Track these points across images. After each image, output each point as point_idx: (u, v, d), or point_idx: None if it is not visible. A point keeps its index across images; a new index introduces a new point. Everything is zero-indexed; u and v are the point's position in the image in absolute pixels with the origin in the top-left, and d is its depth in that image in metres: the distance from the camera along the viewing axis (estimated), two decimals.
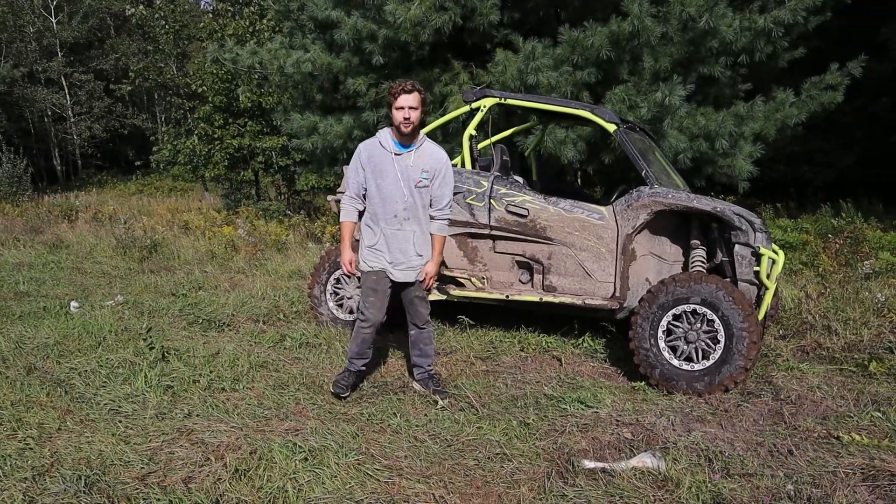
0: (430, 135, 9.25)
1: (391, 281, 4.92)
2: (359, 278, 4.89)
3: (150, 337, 5.96)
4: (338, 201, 6.30)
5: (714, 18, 8.44)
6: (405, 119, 4.59)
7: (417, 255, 4.88)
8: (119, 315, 7.28)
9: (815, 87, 9.86)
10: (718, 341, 5.04)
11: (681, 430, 4.50)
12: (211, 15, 20.67)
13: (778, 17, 8.85)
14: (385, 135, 4.76)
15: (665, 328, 5.20)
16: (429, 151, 4.80)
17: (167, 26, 23.97)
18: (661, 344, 5.20)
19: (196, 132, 19.65)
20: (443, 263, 6.17)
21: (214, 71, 18.40)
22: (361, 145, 4.76)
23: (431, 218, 4.89)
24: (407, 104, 4.58)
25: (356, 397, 5.07)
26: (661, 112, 8.59)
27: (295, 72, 10.83)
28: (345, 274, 5.06)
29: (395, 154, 4.72)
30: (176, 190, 28.89)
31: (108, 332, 6.54)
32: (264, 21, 19.06)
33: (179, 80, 23.03)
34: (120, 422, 4.58)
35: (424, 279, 4.92)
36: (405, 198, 4.75)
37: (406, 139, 4.71)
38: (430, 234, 4.90)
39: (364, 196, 4.85)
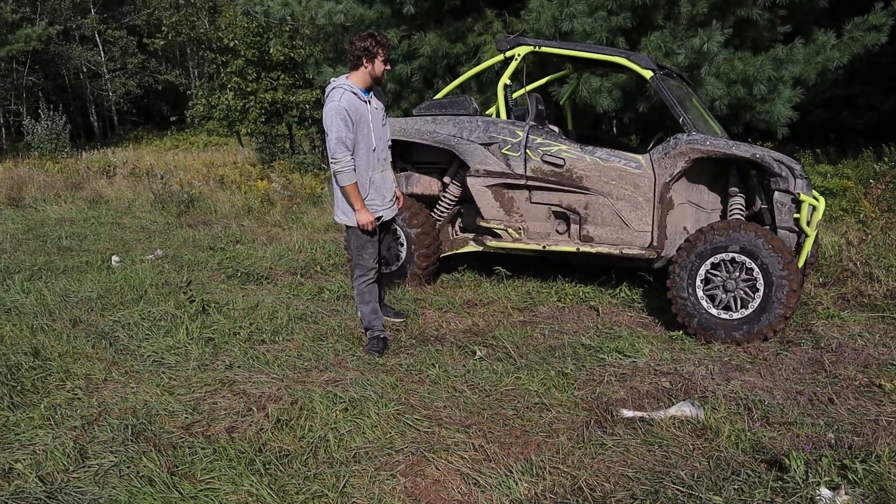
0: (464, 85, 9.19)
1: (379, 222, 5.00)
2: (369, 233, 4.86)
3: (191, 290, 6.03)
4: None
5: None
6: (384, 73, 4.81)
7: (393, 190, 5.11)
8: (159, 269, 7.37)
9: (857, 28, 9.53)
10: (757, 290, 4.97)
11: (719, 380, 4.47)
12: None
13: None
14: (352, 86, 4.70)
15: (703, 277, 5.14)
16: (377, 91, 4.94)
17: None
18: (700, 293, 5.14)
19: (229, 87, 19.65)
20: (479, 215, 6.14)
21: (246, 24, 18.31)
22: (343, 101, 4.59)
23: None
24: (387, 58, 4.81)
25: (394, 349, 5.09)
26: (698, 58, 8.41)
27: (326, 23, 10.73)
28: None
29: (367, 101, 4.76)
30: (211, 145, 29.01)
31: (149, 285, 6.62)
32: None
33: (212, 34, 22.96)
34: (163, 373, 4.65)
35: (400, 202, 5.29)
36: (381, 139, 4.90)
37: (371, 86, 4.83)
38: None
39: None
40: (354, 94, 4.66)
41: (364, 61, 4.68)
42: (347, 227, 4.92)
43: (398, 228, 6.23)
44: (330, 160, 4.64)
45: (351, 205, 4.76)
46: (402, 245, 6.32)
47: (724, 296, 5.09)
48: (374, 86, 4.87)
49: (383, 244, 5.39)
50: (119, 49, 38.71)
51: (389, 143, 5.10)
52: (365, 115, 4.71)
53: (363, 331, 5.21)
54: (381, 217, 4.96)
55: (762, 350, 4.93)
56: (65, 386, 4.47)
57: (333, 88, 4.68)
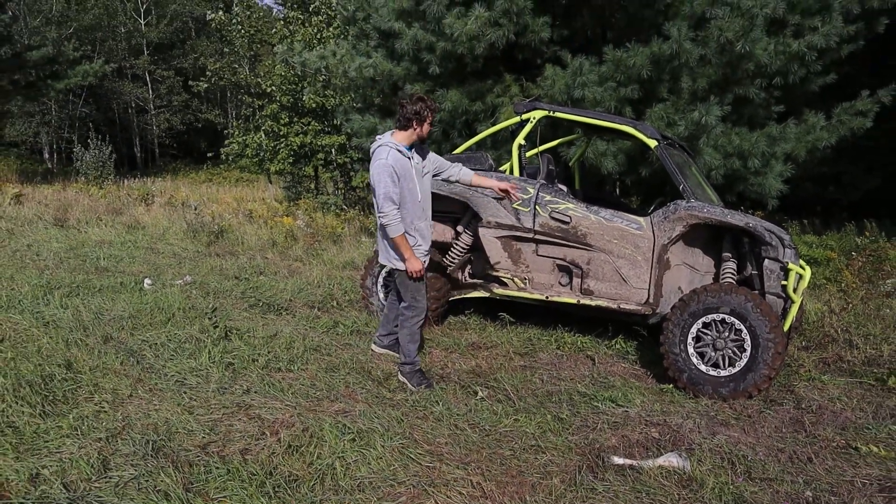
0: (481, 143, 9.25)
1: None
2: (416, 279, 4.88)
3: (215, 316, 6.01)
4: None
5: (750, 42, 8.23)
6: (429, 134, 4.92)
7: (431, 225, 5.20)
8: (187, 294, 7.36)
9: (845, 113, 9.59)
10: (745, 350, 4.93)
11: (706, 433, 4.41)
12: (282, 21, 20.79)
13: (812, 42, 8.62)
14: (397, 144, 4.75)
15: (695, 335, 5.11)
16: (417, 146, 4.97)
17: (243, 31, 24.18)
18: (690, 350, 5.10)
19: (263, 128, 19.83)
20: (488, 263, 6.13)
21: (283, 73, 18.53)
22: (389, 159, 4.63)
23: (451, 174, 5.29)
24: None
25: (401, 383, 5.05)
26: (697, 130, 8.43)
27: (358, 76, 10.84)
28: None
29: (410, 158, 4.80)
30: (242, 180, 29.22)
31: (176, 309, 6.61)
32: (331, 29, 19.15)
33: (251, 80, 23.21)
34: (185, 393, 4.62)
35: (510, 191, 5.47)
36: (425, 191, 4.93)
37: (415, 143, 4.89)
38: (473, 175, 5.38)
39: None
40: (399, 151, 4.71)
41: (414, 124, 4.74)
42: (397, 271, 4.93)
43: None
44: (377, 213, 4.68)
45: (401, 254, 4.80)
46: None
47: (713, 354, 5.05)
48: (417, 143, 4.92)
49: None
50: (166, 88, 39.29)
51: (452, 167, 5.28)
52: (409, 171, 4.74)
53: (399, 366, 5.15)
54: (426, 262, 5.01)
55: (747, 407, 4.86)
56: (93, 399, 4.44)
57: (380, 146, 4.74)
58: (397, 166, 4.65)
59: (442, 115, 10.34)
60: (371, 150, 4.80)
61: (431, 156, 5.13)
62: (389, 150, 4.68)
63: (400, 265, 4.86)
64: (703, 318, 5.08)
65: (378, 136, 4.85)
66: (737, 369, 4.96)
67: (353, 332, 6.34)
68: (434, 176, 5.22)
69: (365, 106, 12.26)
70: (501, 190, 5.40)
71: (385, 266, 6.63)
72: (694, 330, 5.11)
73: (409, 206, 4.78)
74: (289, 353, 5.56)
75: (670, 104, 8.78)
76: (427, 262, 5.05)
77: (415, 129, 4.77)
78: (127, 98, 38.03)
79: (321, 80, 17.26)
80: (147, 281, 7.86)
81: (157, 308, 6.63)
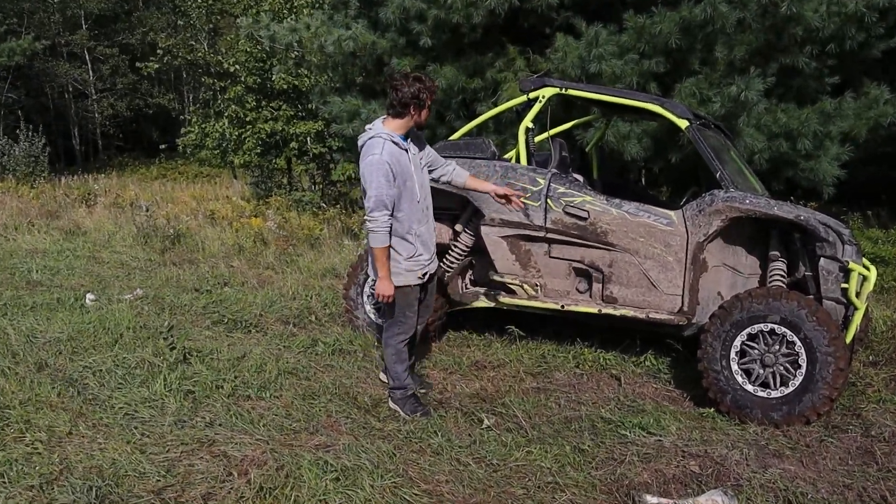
0: (482, 126, 9.22)
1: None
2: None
3: (171, 336, 5.98)
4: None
5: (797, 3, 8.22)
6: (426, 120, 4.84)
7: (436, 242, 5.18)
8: (138, 310, 7.33)
9: None
10: (799, 366, 4.90)
11: (755, 466, 4.38)
12: None
13: (872, 1, 8.60)
14: (392, 134, 4.67)
15: (738, 349, 5.08)
16: (414, 135, 4.94)
17: (200, 0, 24.23)
18: (734, 366, 5.08)
19: (226, 114, 19.81)
20: (493, 268, 6.11)
21: (248, 49, 18.51)
22: (385, 154, 4.55)
23: (444, 172, 5.26)
24: None
25: (393, 411, 5.03)
26: (735, 107, 8.42)
27: (336, 51, 10.82)
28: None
29: (407, 150, 4.75)
30: (202, 176, 29.22)
31: (125, 328, 6.58)
32: None
33: (210, 58, 23.21)
34: (136, 428, 4.59)
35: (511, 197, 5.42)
36: (424, 188, 4.90)
37: (410, 132, 4.85)
38: (468, 178, 5.35)
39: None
40: (395, 143, 4.64)
41: (412, 109, 4.67)
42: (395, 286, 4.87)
43: None
44: (365, 217, 4.62)
45: (376, 269, 4.73)
46: None
47: (761, 371, 5.02)
48: (413, 130, 4.88)
49: (431, 298, 5.35)
50: (109, 68, 39.21)
51: (443, 164, 5.25)
52: (407, 167, 4.69)
53: (389, 391, 5.14)
54: (427, 273, 4.96)
55: (804, 435, 4.84)
56: (23, 438, 4.41)
57: (371, 138, 4.65)
58: (393, 162, 4.58)
59: (436, 94, 10.33)
60: (360, 143, 4.73)
61: (427, 147, 5.11)
62: (384, 142, 4.60)
63: (396, 280, 4.82)
64: (749, 329, 5.05)
65: (368, 126, 4.78)
66: (790, 389, 4.93)
67: (335, 351, 6.31)
68: None
69: (345, 86, 12.23)
70: (500, 196, 5.34)
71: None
72: (738, 343, 5.08)
73: (407, 208, 4.73)
74: (259, 377, 5.53)
75: (703, 78, 8.77)
76: (433, 272, 5.04)
77: (412, 116, 4.70)
78: (62, 80, 37.90)
79: (293, 56, 17.20)
80: (89, 296, 7.83)
81: (101, 328, 6.59)
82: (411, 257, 4.80)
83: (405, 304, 4.90)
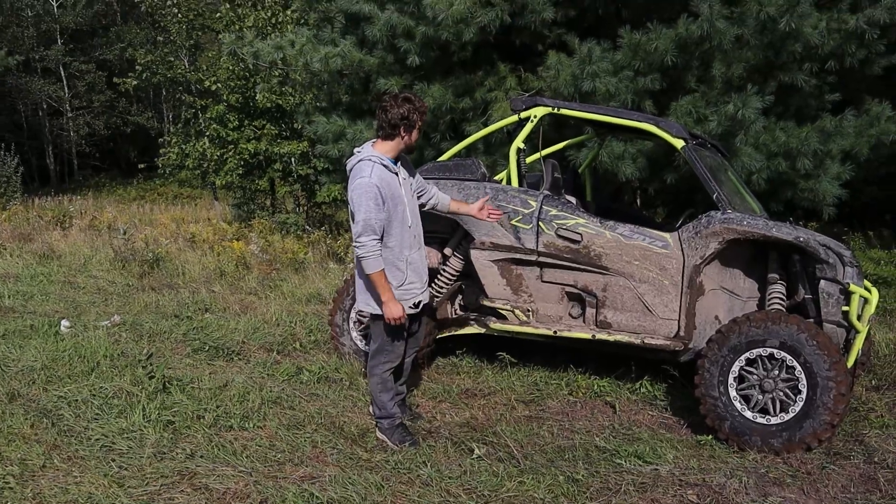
0: (471, 148, 9.29)
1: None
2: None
3: (150, 364, 5.98)
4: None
5: (797, 19, 8.31)
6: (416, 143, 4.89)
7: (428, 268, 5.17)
8: (115, 338, 7.34)
9: None
10: (799, 391, 4.94)
11: (755, 495, 4.41)
12: (229, 4, 20.86)
13: (872, 16, 8.67)
14: (381, 157, 4.69)
15: (737, 374, 5.12)
16: (403, 158, 4.97)
17: (180, 15, 24.29)
18: (732, 392, 5.11)
19: (207, 134, 19.87)
20: (483, 293, 6.15)
21: (230, 66, 18.58)
22: (374, 177, 4.57)
23: (430, 197, 5.30)
24: None
25: (381, 441, 5.04)
26: (733, 126, 8.49)
27: (322, 69, 10.89)
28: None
29: (396, 173, 4.78)
30: (182, 197, 29.23)
31: (102, 356, 6.58)
32: (288, 13, 19.25)
33: (191, 76, 23.30)
34: (113, 461, 4.59)
35: (489, 212, 5.44)
36: (415, 213, 4.93)
37: (398, 156, 4.87)
38: (451, 202, 5.43)
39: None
40: (384, 166, 4.67)
41: (402, 131, 4.69)
42: (378, 315, 4.87)
43: None
44: (354, 243, 4.63)
45: (377, 295, 4.74)
46: None
47: (760, 397, 5.06)
48: (402, 154, 4.91)
49: (422, 328, 5.37)
50: (85, 85, 39.12)
51: (429, 192, 5.30)
52: (398, 191, 4.71)
53: (375, 421, 5.15)
54: (421, 301, 4.98)
55: (805, 462, 4.87)
56: None
57: (360, 161, 4.67)
58: (383, 186, 4.60)
59: None
60: (349, 167, 4.76)
61: (415, 172, 5.15)
62: (373, 165, 4.62)
63: (376, 309, 4.82)
64: (747, 354, 5.09)
65: (357, 149, 4.81)
66: (791, 416, 4.97)
67: (320, 379, 6.32)
68: None
69: (330, 105, 12.31)
70: (480, 211, 5.37)
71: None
72: (736, 368, 5.12)
73: (398, 234, 4.76)
74: (242, 407, 5.54)
75: (700, 96, 8.85)
76: (426, 301, 5.05)
77: (402, 138, 4.72)
78: (37, 97, 37.86)
79: (277, 74, 17.34)
80: (65, 323, 7.83)
81: (77, 356, 6.59)
82: (402, 286, 4.82)
83: (394, 332, 4.92)
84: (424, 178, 6.28)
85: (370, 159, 4.64)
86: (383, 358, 4.99)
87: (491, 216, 5.38)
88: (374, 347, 5.02)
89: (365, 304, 4.88)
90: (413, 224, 4.86)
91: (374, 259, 4.59)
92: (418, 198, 5.16)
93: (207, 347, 7.15)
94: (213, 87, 19.84)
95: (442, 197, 5.36)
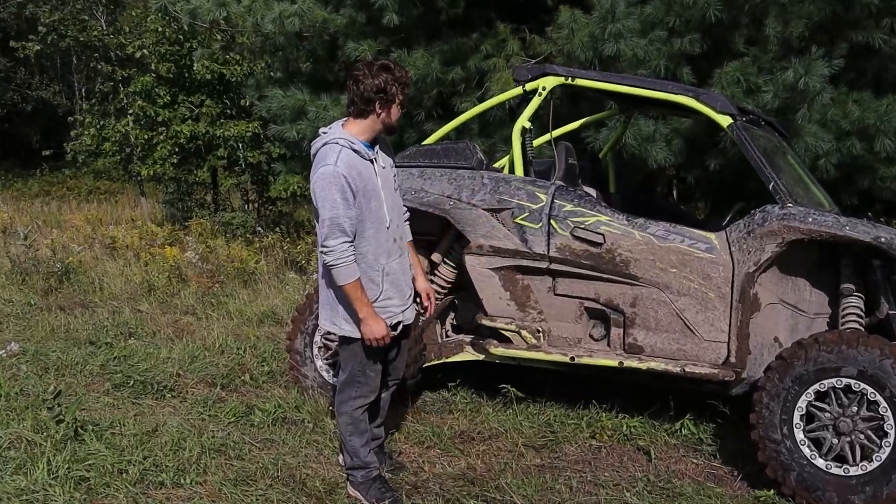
0: (464, 127, 9.27)
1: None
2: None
3: (58, 405, 5.93)
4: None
5: None
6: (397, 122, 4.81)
7: (412, 279, 5.10)
8: (12, 371, 7.30)
9: None
10: (886, 434, 4.91)
11: None
12: None
13: None
14: (353, 140, 4.63)
15: (804, 412, 5.10)
16: (381, 141, 4.92)
17: None
18: (799, 435, 5.09)
19: (131, 112, 19.77)
20: (481, 309, 6.13)
21: (160, 27, 18.53)
22: (340, 164, 4.51)
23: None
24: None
25: (353, 499, 5.02)
26: (793, 98, 8.50)
27: (276, 31, 10.84)
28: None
29: (373, 160, 4.71)
30: (99, 192, 29.09)
31: None
32: None
33: (110, 40, 23.19)
34: None
35: (426, 302, 5.22)
36: (396, 210, 4.89)
37: (375, 138, 4.81)
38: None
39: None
40: (356, 151, 4.59)
41: (377, 106, 4.61)
42: (347, 338, 4.83)
43: None
44: (319, 248, 4.58)
45: (353, 312, 4.68)
46: None
47: (835, 441, 5.03)
48: (381, 136, 4.88)
49: (402, 356, 5.30)
50: None
51: (407, 214, 5.17)
52: (372, 180, 4.65)
53: (346, 473, 5.14)
54: (401, 322, 4.92)
55: None
56: None
57: (326, 144, 4.62)
58: (353, 176, 4.53)
59: None
60: (313, 151, 4.71)
61: (394, 157, 5.10)
62: (340, 150, 4.55)
63: (350, 330, 4.77)
64: (816, 386, 5.06)
65: (323, 129, 4.75)
66: (875, 465, 4.94)
67: (276, 421, 6.30)
68: None
69: (288, 76, 12.27)
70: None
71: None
72: (803, 404, 5.09)
73: (372, 236, 4.70)
74: (176, 457, 5.51)
75: (751, 61, 8.85)
76: (408, 323, 5.01)
77: (378, 116, 4.65)
78: None
79: (220, 38, 17.27)
80: None
81: None
82: (376, 302, 4.75)
83: (366, 360, 4.86)
84: (406, 166, 6.28)
85: (337, 142, 4.58)
86: (354, 392, 4.94)
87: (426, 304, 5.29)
88: (343, 378, 4.97)
89: (331, 323, 4.84)
90: (393, 225, 4.81)
91: (345, 267, 4.53)
92: None
93: (132, 382, 7.11)
94: (138, 54, 19.72)
95: None
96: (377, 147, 4.79)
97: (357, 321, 4.68)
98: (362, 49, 10.33)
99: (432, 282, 6.39)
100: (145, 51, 19.29)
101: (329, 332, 4.94)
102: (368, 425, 5.07)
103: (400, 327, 4.92)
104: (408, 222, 5.18)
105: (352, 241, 4.57)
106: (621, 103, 7.56)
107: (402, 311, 4.93)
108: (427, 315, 5.25)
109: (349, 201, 4.52)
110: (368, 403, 5.00)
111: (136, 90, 19.41)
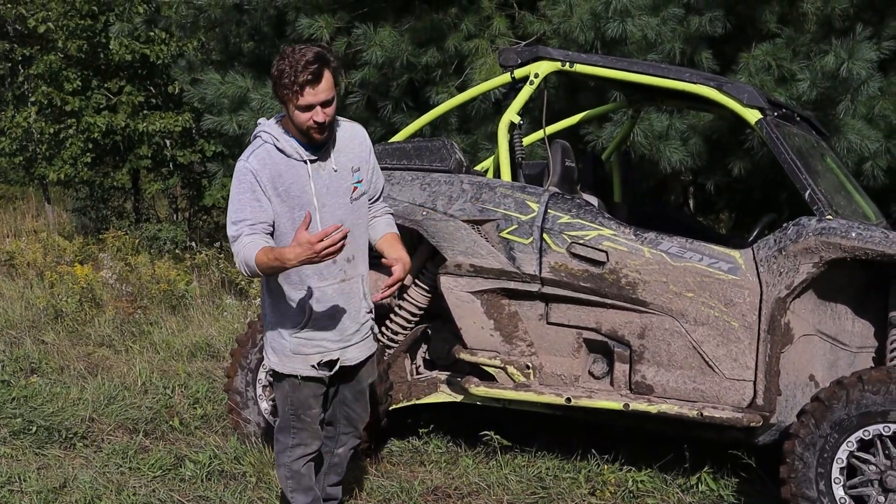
0: (441, 122, 9.32)
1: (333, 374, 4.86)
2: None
3: None
4: None
5: None
6: (317, 125, 4.49)
7: (367, 312, 4.92)
8: None
9: None
10: None
11: None
12: None
13: None
14: (281, 134, 4.59)
15: (844, 464, 5.12)
16: (346, 135, 4.79)
17: None
18: (839, 491, 5.12)
19: (34, 99, 19.69)
20: (460, 340, 6.14)
21: None
22: (253, 161, 4.49)
23: (374, 217, 5.00)
24: (317, 100, 4.45)
25: None
26: (833, 88, 8.56)
27: (212, 2, 10.87)
28: None
29: (310, 161, 4.61)
30: None
31: None
32: None
33: (6, 10, 23.14)
34: None
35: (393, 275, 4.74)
36: (350, 225, 4.62)
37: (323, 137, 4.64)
38: (383, 237, 4.96)
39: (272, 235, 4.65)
40: (279, 149, 4.55)
41: (283, 100, 4.51)
42: (276, 372, 4.84)
43: None
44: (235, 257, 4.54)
45: (278, 337, 4.70)
46: None
47: (881, 499, 5.07)
48: (357, 131, 4.85)
49: (360, 402, 5.20)
50: None
51: (381, 205, 5.08)
52: (302, 185, 4.57)
53: None
54: (337, 360, 4.80)
55: None
56: None
57: (253, 136, 4.67)
58: (270, 176, 4.50)
59: (366, 72, 10.36)
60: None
61: (372, 160, 4.94)
62: (260, 145, 4.57)
63: (275, 362, 4.78)
64: (860, 433, 5.08)
65: (260, 120, 4.75)
66: None
67: (211, 475, 6.30)
68: None
69: (227, 57, 12.28)
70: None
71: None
72: (843, 455, 5.12)
73: None
74: None
75: (783, 43, 8.92)
76: (356, 363, 4.93)
77: (288, 111, 4.55)
78: None
79: (142, 11, 17.25)
80: None
81: None
82: (301, 331, 4.71)
83: (296, 402, 4.83)
84: None
85: (259, 135, 4.61)
86: (291, 440, 4.91)
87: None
88: (278, 424, 4.98)
89: (269, 355, 4.84)
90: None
91: (244, 247, 4.41)
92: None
93: (35, 428, 7.10)
94: (42, 29, 19.62)
95: (379, 222, 5.07)
96: (330, 146, 4.68)
97: (282, 345, 4.70)
98: (317, 26, 10.32)
99: (400, 308, 6.42)
100: (50, 24, 19.16)
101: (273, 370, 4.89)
102: (313, 481, 5.05)
103: (336, 367, 4.81)
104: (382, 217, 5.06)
105: (256, 232, 4.47)
106: (629, 94, 7.57)
107: (342, 348, 4.81)
108: (382, 294, 4.76)
109: (262, 204, 4.49)
110: (311, 454, 4.97)
111: (38, 72, 19.25)
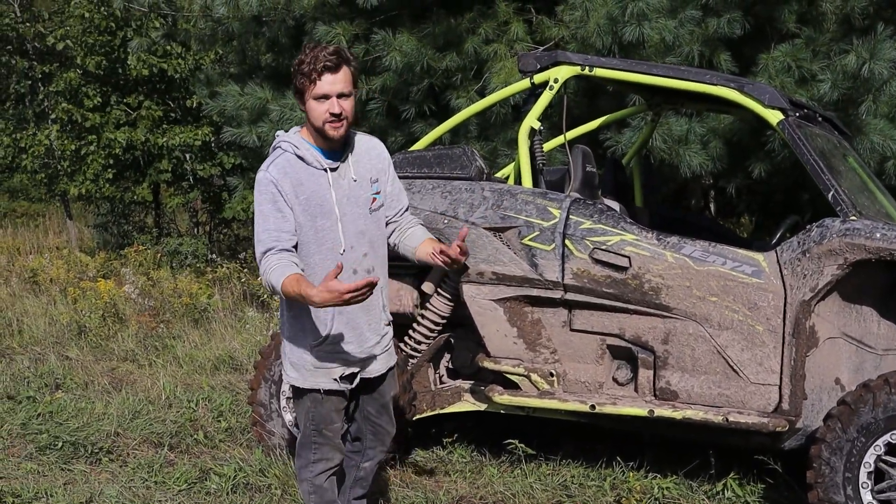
0: (460, 128, 9.31)
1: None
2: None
3: None
4: None
5: None
6: (333, 117, 4.43)
7: (386, 324, 4.86)
8: None
9: None
10: None
11: None
12: None
13: None
14: (298, 143, 4.55)
15: (872, 469, 5.10)
16: (363, 147, 4.75)
17: None
18: (867, 497, 5.10)
19: (55, 117, 19.75)
20: (483, 349, 6.13)
21: (87, 13, 18.51)
22: (273, 170, 4.44)
23: (393, 231, 4.90)
24: (334, 90, 4.40)
25: None
26: (855, 89, 8.53)
27: (230, 14, 10.89)
28: None
29: (329, 169, 4.56)
30: (16, 215, 29.06)
31: None
32: None
33: (25, 29, 23.23)
34: None
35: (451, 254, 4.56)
36: (362, 236, 4.66)
37: (335, 143, 4.58)
38: (423, 241, 4.81)
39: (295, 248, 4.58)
40: (300, 157, 4.51)
41: (300, 90, 4.48)
42: (296, 388, 4.80)
43: None
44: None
45: (298, 351, 4.65)
46: None
47: None
48: (373, 141, 4.82)
49: (384, 416, 5.14)
50: None
51: (409, 217, 4.97)
52: (322, 195, 4.52)
53: None
54: (356, 374, 4.77)
55: None
56: None
57: (272, 148, 4.62)
58: (292, 185, 4.45)
59: (385, 78, 10.37)
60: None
61: (391, 172, 4.87)
62: (280, 154, 4.52)
63: (295, 377, 4.74)
64: (888, 437, 5.06)
65: (279, 132, 4.69)
66: None
67: (237, 488, 6.30)
68: None
69: (246, 70, 12.30)
70: (443, 257, 4.69)
71: None
72: (871, 460, 5.10)
73: (318, 262, 4.57)
74: None
75: (803, 43, 8.89)
76: (377, 375, 4.89)
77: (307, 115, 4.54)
78: None
79: (160, 25, 17.30)
80: None
81: None
82: (321, 345, 4.65)
83: (318, 417, 4.78)
84: None
85: (280, 146, 4.55)
86: (312, 455, 4.87)
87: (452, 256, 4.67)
88: (299, 440, 4.91)
89: (289, 370, 4.80)
90: (355, 252, 4.64)
91: (272, 272, 4.34)
92: (386, 224, 4.92)
93: (61, 444, 7.10)
94: (61, 46, 19.70)
95: (413, 233, 4.92)
96: (349, 155, 4.65)
97: (302, 360, 4.65)
98: (335, 33, 10.33)
99: (422, 318, 6.42)
100: (69, 41, 19.24)
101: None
102: (336, 495, 5.03)
103: (357, 380, 4.77)
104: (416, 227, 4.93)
105: (282, 249, 4.42)
106: (648, 98, 7.56)
107: (363, 360, 4.77)
108: (452, 256, 4.52)
109: (284, 215, 4.44)
110: (334, 468, 4.93)
111: (58, 90, 19.31)
